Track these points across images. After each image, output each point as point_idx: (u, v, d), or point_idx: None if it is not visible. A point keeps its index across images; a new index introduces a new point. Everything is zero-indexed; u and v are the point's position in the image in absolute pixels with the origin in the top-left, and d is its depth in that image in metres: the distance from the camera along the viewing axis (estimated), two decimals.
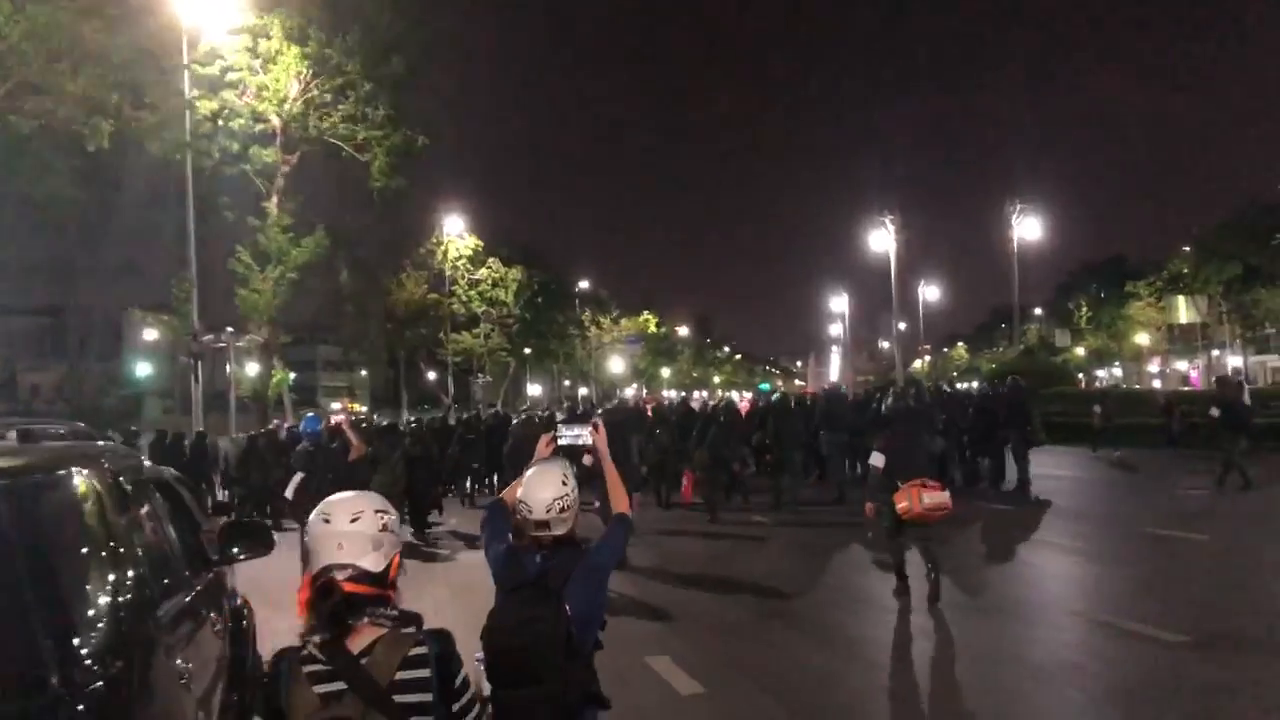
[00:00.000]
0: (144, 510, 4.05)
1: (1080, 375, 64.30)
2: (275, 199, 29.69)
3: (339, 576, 2.62)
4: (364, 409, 65.62)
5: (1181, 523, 13.90)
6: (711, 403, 32.14)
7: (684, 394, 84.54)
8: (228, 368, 29.31)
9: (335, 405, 74.71)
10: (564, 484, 3.77)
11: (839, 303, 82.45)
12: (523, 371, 73.67)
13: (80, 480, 3.44)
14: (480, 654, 3.50)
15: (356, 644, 2.60)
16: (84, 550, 3.22)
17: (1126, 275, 75.49)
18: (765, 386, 65.84)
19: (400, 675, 2.58)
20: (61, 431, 4.39)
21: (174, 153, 17.41)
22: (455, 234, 53.56)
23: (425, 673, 2.62)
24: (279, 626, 9.80)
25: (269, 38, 28.17)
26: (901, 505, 9.58)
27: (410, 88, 31.74)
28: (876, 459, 10.20)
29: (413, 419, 31.57)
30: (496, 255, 56.67)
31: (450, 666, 2.68)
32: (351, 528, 2.67)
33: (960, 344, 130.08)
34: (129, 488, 3.85)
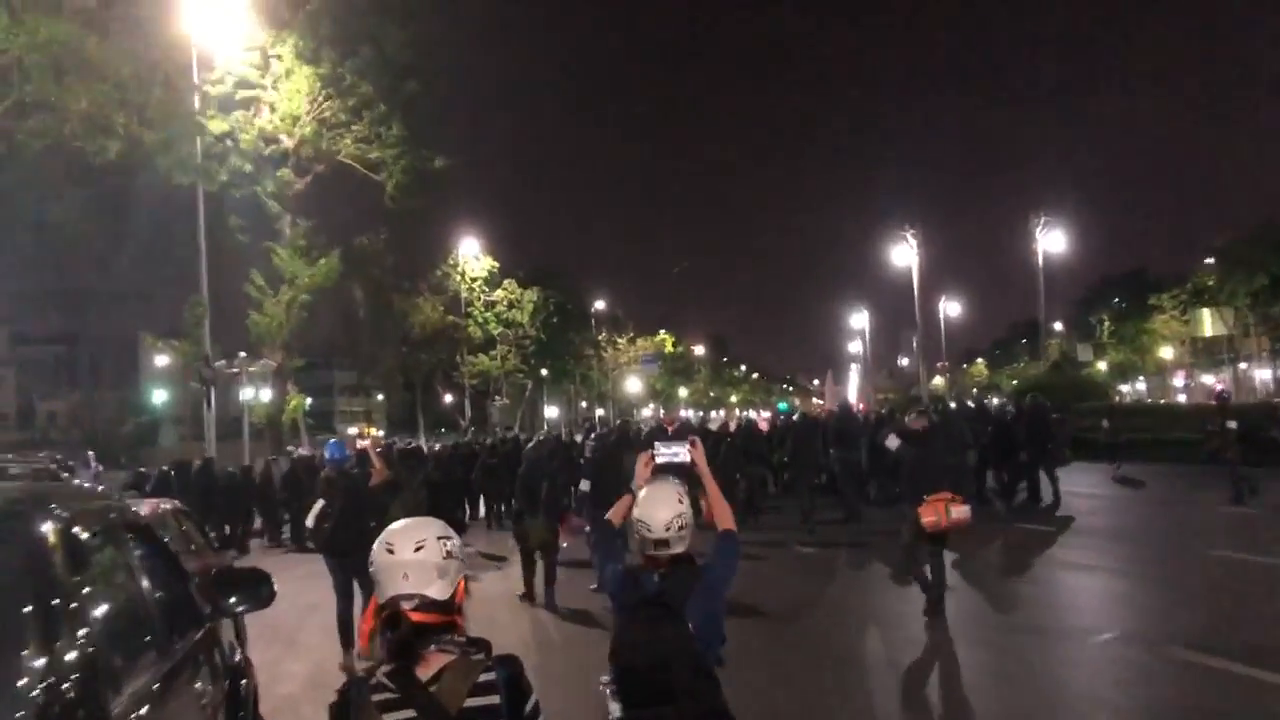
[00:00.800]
0: (110, 563, 3.39)
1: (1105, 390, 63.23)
2: (288, 220, 29.22)
3: (406, 606, 2.59)
4: (381, 433, 65.17)
5: (1238, 543, 13.18)
6: (732, 423, 31.57)
7: (701, 414, 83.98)
8: (241, 393, 28.74)
9: (352, 430, 74.34)
10: (680, 502, 3.78)
11: (858, 320, 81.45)
12: (539, 393, 73.07)
13: (18, 534, 2.78)
14: (606, 676, 3.58)
15: (425, 671, 2.56)
16: (16, 622, 2.55)
17: (1149, 288, 74.51)
18: (784, 406, 65.30)
19: (470, 702, 2.54)
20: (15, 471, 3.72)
21: (182, 172, 16.80)
22: (471, 255, 53.17)
23: (495, 699, 2.57)
24: (291, 669, 9.27)
25: (279, 58, 27.81)
26: (929, 519, 9.45)
27: (424, 108, 31.31)
28: (892, 441, 10.39)
29: (437, 444, 31.12)
30: (513, 276, 56.33)
31: (520, 692, 2.63)
32: (416, 557, 2.64)
33: (979, 360, 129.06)
34: (87, 536, 3.18)
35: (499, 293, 55.07)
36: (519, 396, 65.32)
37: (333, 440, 11.77)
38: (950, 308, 67.97)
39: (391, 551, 2.65)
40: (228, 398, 30.32)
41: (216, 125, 25.03)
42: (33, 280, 35.72)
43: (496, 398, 62.89)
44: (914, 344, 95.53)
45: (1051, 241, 45.00)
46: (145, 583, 3.63)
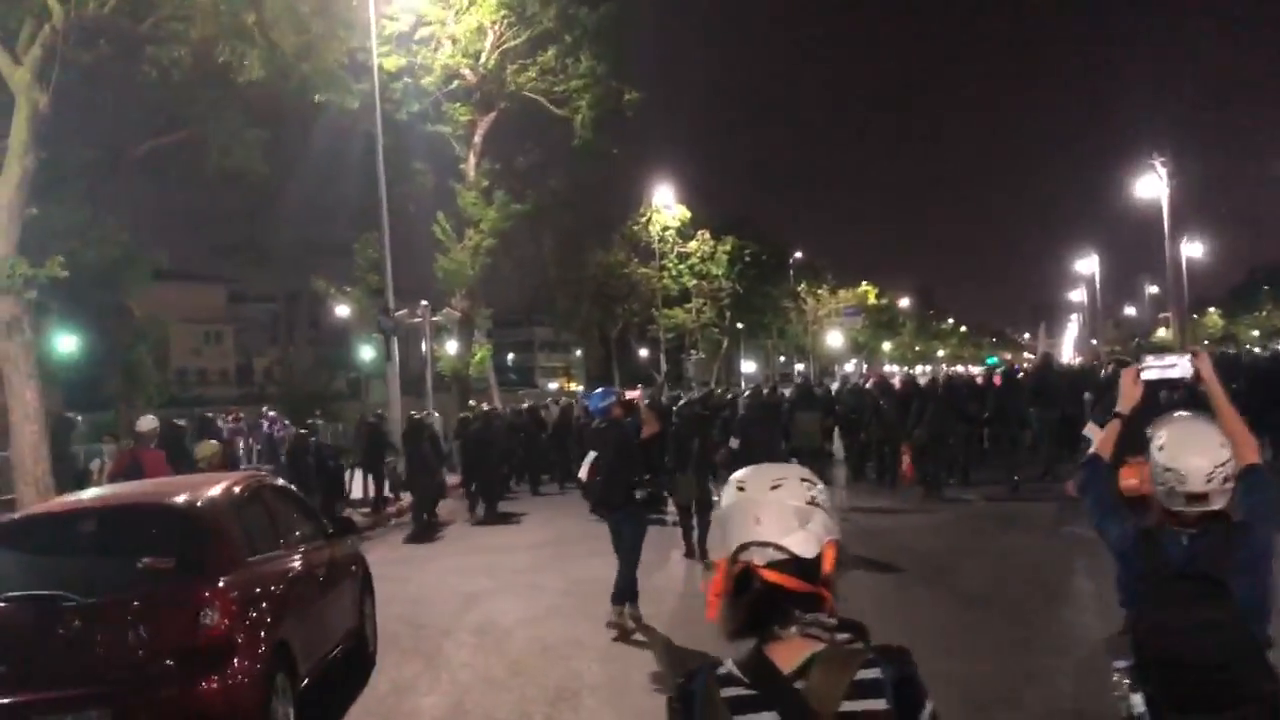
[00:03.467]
0: None
1: None
2: (473, 160, 28.11)
3: (757, 561, 1.97)
4: (581, 388, 65.08)
5: None
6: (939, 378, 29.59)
7: (906, 369, 79.90)
8: (423, 344, 28.00)
9: (552, 385, 75.19)
10: (1222, 446, 3.06)
11: (1082, 266, 75.21)
12: (736, 347, 71.06)
13: None
14: (1122, 663, 3.07)
15: (787, 661, 1.94)
16: None
17: None
18: (993, 360, 61.36)
19: (847, 707, 1.90)
20: None
21: (325, 88, 15.34)
22: (663, 204, 51.49)
23: (880, 704, 1.92)
24: (419, 705, 5.59)
25: None
26: (1130, 482, 7.36)
27: (613, 38, 29.35)
28: (1092, 430, 8.83)
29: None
30: (706, 226, 54.70)
31: (915, 695, 1.95)
32: (771, 496, 2.03)
33: (1211, 309, 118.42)
34: None
35: (692, 244, 53.47)
36: (714, 351, 63.66)
37: (598, 391, 12.03)
38: (1191, 250, 61.38)
39: (742, 489, 2.06)
40: (411, 349, 29.64)
41: (391, 63, 23.86)
42: (234, 236, 36.27)
43: (692, 352, 61.79)
44: (1146, 291, 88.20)
45: None
46: None
